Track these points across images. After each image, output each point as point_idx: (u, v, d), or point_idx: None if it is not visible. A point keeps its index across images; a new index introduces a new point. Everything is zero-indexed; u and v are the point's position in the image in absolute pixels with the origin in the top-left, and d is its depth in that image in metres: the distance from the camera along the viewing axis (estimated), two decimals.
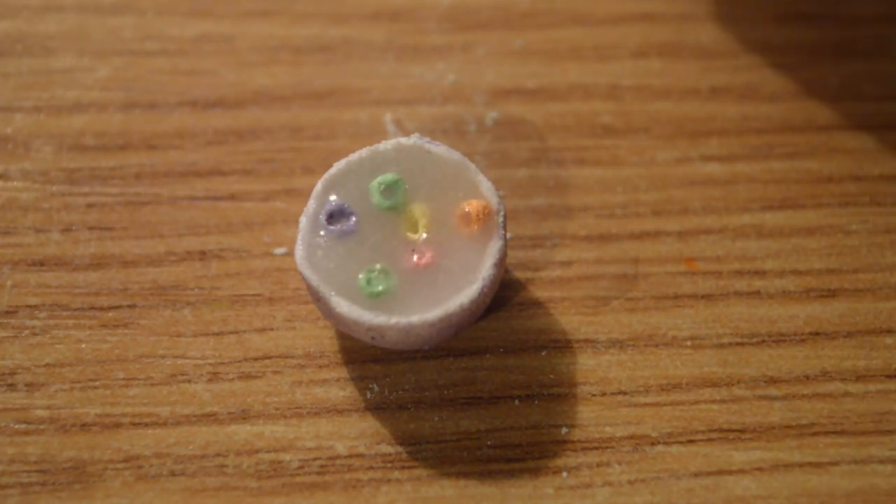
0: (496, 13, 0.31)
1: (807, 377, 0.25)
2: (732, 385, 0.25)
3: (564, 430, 0.24)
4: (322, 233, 0.24)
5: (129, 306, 0.26)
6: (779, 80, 0.30)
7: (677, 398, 0.25)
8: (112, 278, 0.26)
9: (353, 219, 0.24)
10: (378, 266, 0.23)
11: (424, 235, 0.24)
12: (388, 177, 0.24)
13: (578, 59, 0.30)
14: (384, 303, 0.23)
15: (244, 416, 0.24)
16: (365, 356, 0.25)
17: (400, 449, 0.24)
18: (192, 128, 0.29)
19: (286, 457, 0.24)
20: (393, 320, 0.22)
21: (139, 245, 0.27)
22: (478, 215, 0.24)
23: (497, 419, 0.24)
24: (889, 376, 0.25)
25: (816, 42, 0.31)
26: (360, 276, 0.23)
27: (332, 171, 0.24)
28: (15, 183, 0.28)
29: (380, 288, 0.23)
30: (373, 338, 0.23)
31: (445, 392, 0.25)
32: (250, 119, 0.29)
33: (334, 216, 0.24)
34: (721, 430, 0.24)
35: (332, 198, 0.24)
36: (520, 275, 0.27)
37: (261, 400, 0.25)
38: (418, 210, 0.24)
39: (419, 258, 0.23)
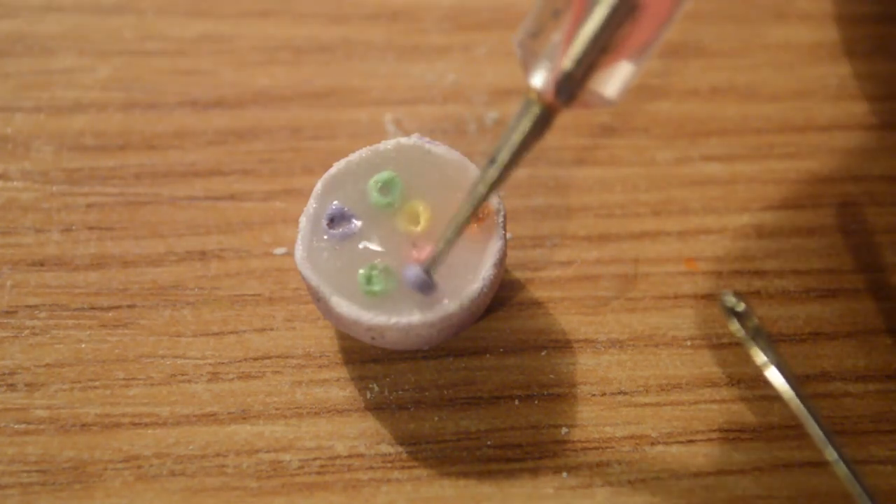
0: (496, 13, 0.31)
1: (807, 377, 0.25)
2: (732, 385, 0.25)
3: (564, 430, 0.24)
4: (324, 236, 0.24)
5: (129, 306, 0.26)
6: (779, 80, 0.30)
7: (677, 398, 0.25)
8: (112, 278, 0.26)
9: (354, 222, 0.24)
10: (378, 264, 0.23)
11: (418, 229, 0.24)
12: (385, 174, 0.24)
13: None
14: (384, 303, 0.23)
15: (244, 416, 0.24)
16: (365, 356, 0.25)
17: (400, 449, 0.24)
18: (192, 128, 0.29)
19: (286, 457, 0.24)
20: (393, 320, 0.22)
21: (139, 245, 0.27)
22: (478, 215, 0.24)
23: (497, 419, 0.24)
24: (889, 376, 0.25)
25: (816, 42, 0.31)
26: (360, 272, 0.23)
27: (332, 171, 0.24)
28: (15, 183, 0.28)
29: (379, 286, 0.23)
30: (373, 338, 0.23)
31: (445, 392, 0.25)
32: (250, 119, 0.29)
33: (335, 220, 0.24)
34: (721, 430, 0.24)
35: (335, 203, 0.24)
36: (520, 275, 0.27)
37: (261, 400, 0.25)
38: (418, 208, 0.24)
39: (419, 258, 0.23)
